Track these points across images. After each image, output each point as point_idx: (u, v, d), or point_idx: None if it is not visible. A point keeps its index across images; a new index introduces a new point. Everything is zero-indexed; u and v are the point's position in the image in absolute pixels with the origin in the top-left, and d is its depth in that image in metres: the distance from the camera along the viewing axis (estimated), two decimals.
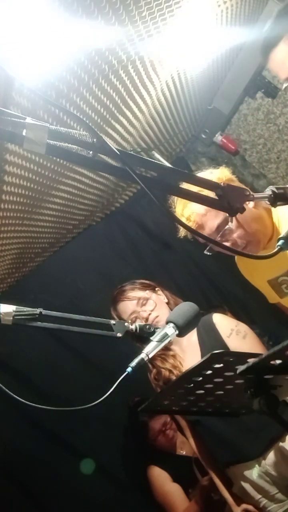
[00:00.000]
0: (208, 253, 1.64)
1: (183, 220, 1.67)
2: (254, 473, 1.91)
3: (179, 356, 2.06)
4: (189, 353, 2.03)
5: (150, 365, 2.10)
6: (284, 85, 1.70)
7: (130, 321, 1.86)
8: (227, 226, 1.62)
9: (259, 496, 1.91)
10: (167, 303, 2.10)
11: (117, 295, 2.12)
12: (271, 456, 1.89)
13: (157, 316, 2.00)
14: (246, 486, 1.93)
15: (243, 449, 1.92)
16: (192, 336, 2.02)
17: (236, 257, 2.09)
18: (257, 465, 1.91)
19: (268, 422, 1.73)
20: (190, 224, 1.66)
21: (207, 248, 1.65)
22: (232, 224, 1.61)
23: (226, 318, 2.08)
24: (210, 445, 2.05)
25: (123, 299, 2.09)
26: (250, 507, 1.91)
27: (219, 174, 1.74)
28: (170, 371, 2.02)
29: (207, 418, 1.89)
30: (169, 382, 1.99)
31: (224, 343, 1.94)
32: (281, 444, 1.88)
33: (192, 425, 2.08)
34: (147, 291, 2.10)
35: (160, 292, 2.14)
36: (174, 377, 1.99)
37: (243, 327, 2.02)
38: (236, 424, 1.85)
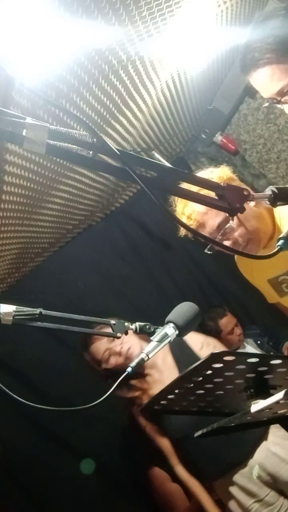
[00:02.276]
0: (209, 252, 1.64)
1: (184, 218, 1.66)
2: (254, 473, 1.91)
3: (150, 389, 2.11)
4: (167, 373, 2.09)
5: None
6: (265, 104, 1.70)
7: (104, 360, 2.05)
8: (228, 225, 1.61)
9: (251, 501, 1.91)
10: (135, 332, 2.12)
11: (86, 340, 2.17)
12: (257, 456, 1.91)
13: (129, 348, 2.09)
14: (236, 493, 1.94)
15: (230, 457, 1.95)
16: (167, 358, 2.10)
17: (236, 256, 2.09)
18: (257, 465, 1.91)
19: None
20: (191, 222, 1.66)
21: (208, 247, 1.65)
22: (233, 223, 1.61)
23: (195, 334, 2.18)
24: (199, 462, 2.07)
25: (93, 342, 2.14)
26: None
27: (220, 173, 1.74)
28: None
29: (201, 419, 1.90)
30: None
31: (197, 356, 2.05)
32: (264, 442, 1.91)
33: (178, 444, 2.10)
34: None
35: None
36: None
37: (212, 340, 2.18)
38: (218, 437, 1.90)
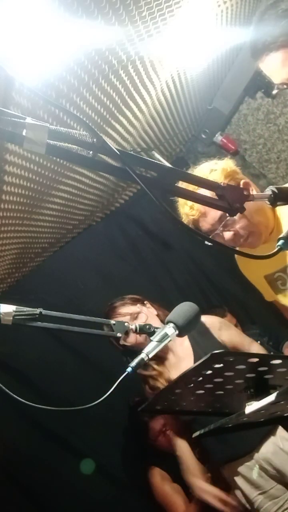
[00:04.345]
0: (209, 244, 1.64)
1: (187, 208, 1.68)
2: (254, 473, 1.91)
3: (167, 372, 2.09)
4: (183, 359, 2.07)
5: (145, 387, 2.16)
6: (275, 90, 1.69)
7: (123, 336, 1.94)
8: (229, 217, 1.62)
9: (256, 493, 1.92)
10: (157, 315, 2.13)
11: (109, 312, 2.14)
12: (264, 450, 1.91)
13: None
14: (243, 484, 1.94)
15: (237, 445, 1.95)
16: (185, 342, 2.07)
17: None
18: (256, 465, 1.92)
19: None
20: (193, 212, 1.67)
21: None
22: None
23: (210, 316, 2.19)
24: (206, 444, 2.07)
25: (115, 316, 2.11)
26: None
27: (224, 165, 1.75)
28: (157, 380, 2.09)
29: (201, 419, 1.91)
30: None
31: (215, 338, 2.04)
32: (272, 437, 1.91)
33: (187, 426, 2.10)
34: (138, 305, 2.14)
35: (149, 305, 2.18)
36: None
37: (227, 321, 2.20)
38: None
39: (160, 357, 2.11)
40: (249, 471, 1.93)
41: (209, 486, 2.03)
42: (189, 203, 1.69)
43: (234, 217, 1.61)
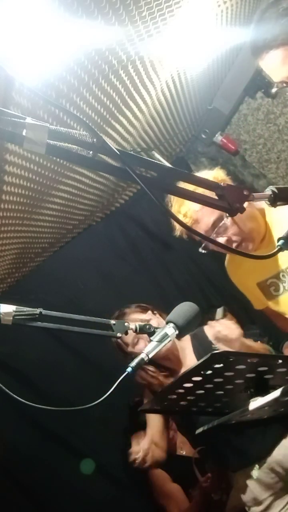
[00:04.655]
0: (203, 251, 1.67)
1: (180, 217, 1.70)
2: (254, 473, 1.93)
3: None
4: (185, 362, 2.07)
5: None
6: (274, 89, 1.69)
7: (132, 343, 1.98)
8: (222, 223, 1.65)
9: (267, 494, 1.93)
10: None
11: (118, 318, 2.11)
12: (275, 453, 1.92)
13: None
14: (255, 487, 1.95)
15: (252, 453, 1.95)
16: (191, 353, 2.07)
17: (226, 260, 2.11)
18: (257, 465, 1.93)
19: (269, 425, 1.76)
20: (186, 220, 1.69)
21: (202, 246, 1.68)
22: (227, 221, 1.64)
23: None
24: (221, 454, 2.08)
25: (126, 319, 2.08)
26: None
27: (215, 175, 1.78)
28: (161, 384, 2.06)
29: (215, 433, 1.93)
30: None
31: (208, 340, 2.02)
32: (284, 441, 1.92)
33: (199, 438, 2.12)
34: (148, 313, 2.12)
35: (158, 315, 2.15)
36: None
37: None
38: (242, 433, 1.92)
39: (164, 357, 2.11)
40: (261, 474, 1.94)
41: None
42: (183, 211, 1.71)
43: (227, 223, 1.63)
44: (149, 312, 2.13)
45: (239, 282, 2.06)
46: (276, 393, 0.97)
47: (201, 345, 2.06)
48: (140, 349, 1.98)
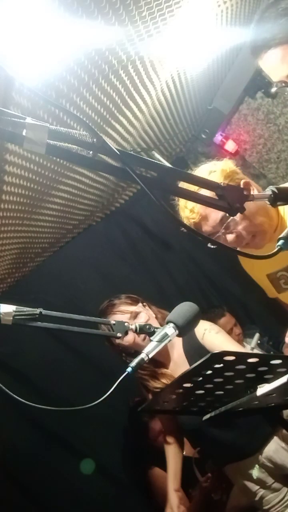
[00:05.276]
0: (212, 246, 1.63)
1: (187, 212, 1.66)
2: (254, 473, 1.95)
3: (169, 375, 2.08)
4: (180, 365, 2.06)
5: (144, 389, 2.15)
6: (273, 89, 1.68)
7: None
8: (231, 218, 1.59)
9: (257, 487, 2.00)
10: (156, 318, 2.09)
11: (108, 308, 2.10)
12: (267, 450, 1.97)
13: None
14: (246, 482, 2.01)
15: (242, 449, 2.00)
16: (180, 349, 2.06)
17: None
18: (257, 465, 1.96)
19: (261, 421, 1.77)
20: (193, 215, 1.64)
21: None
22: (236, 216, 1.59)
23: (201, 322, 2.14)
24: (209, 449, 2.12)
25: (115, 312, 2.07)
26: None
27: (223, 166, 1.73)
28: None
29: (206, 427, 1.94)
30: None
31: (199, 343, 2.00)
32: (275, 438, 1.97)
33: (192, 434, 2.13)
34: (138, 305, 2.10)
35: (147, 307, 2.14)
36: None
37: (215, 326, 2.09)
38: (233, 428, 1.96)
39: (158, 362, 2.10)
40: (252, 470, 1.98)
41: (175, 500, 2.08)
42: (190, 206, 1.67)
43: (236, 218, 1.59)
44: (140, 304, 2.11)
45: (251, 272, 2.04)
46: (284, 379, 0.97)
47: (190, 341, 2.06)
48: (128, 341, 2.00)
